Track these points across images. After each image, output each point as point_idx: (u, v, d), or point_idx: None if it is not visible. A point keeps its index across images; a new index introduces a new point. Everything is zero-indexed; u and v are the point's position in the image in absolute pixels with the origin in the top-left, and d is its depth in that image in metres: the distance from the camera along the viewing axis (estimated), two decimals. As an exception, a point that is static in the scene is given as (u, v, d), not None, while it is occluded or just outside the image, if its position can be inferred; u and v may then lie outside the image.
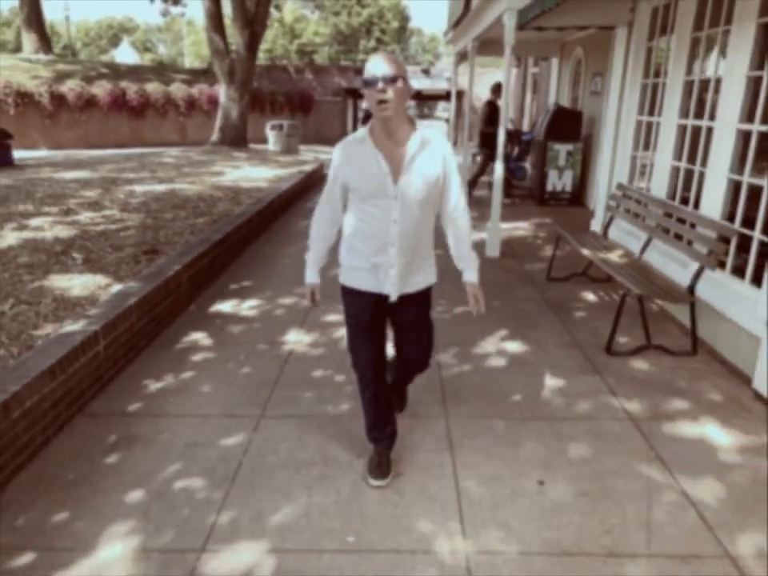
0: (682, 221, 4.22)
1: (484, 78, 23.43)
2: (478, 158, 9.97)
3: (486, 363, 3.73)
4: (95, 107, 18.82)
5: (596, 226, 6.03)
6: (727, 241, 3.67)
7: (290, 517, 2.36)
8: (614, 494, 2.49)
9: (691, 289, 3.73)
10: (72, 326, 3.36)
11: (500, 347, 3.95)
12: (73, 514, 2.38)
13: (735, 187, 3.78)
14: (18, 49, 42.62)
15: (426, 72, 26.48)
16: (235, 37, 12.39)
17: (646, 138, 5.25)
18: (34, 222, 6.03)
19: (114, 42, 72.49)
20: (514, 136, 10.42)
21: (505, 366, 3.69)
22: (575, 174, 8.94)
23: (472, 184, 9.52)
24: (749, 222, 3.63)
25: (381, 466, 2.56)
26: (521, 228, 7.59)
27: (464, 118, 10.53)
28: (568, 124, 8.79)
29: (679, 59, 4.51)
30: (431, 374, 3.45)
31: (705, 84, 4.22)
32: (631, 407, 3.18)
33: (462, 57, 11.29)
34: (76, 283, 4.22)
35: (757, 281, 3.48)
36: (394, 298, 2.39)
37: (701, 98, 4.28)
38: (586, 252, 4.66)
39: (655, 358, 3.77)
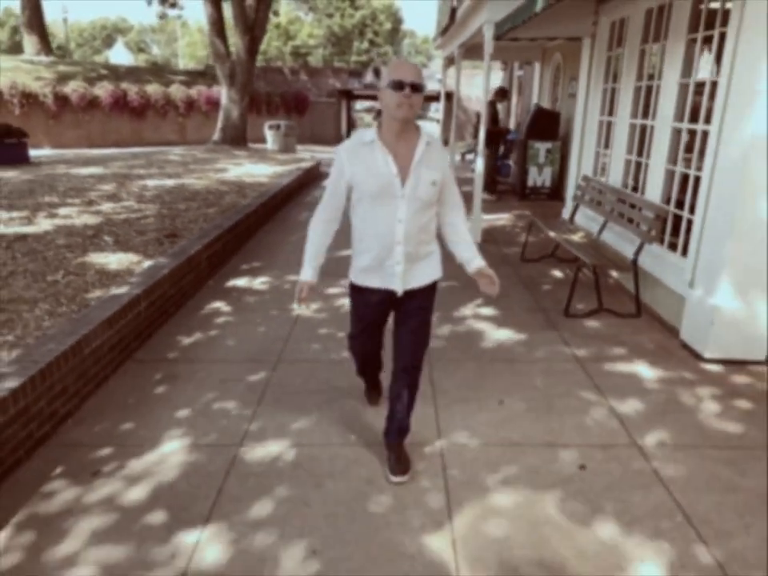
0: (632, 206, 4.95)
1: (474, 81, 24.23)
2: (471, 156, 10.69)
3: (463, 323, 4.44)
4: (97, 108, 19.44)
5: (566, 214, 6.76)
6: (664, 220, 4.41)
7: (305, 425, 3.06)
8: (557, 409, 3.20)
9: (635, 261, 4.46)
10: (118, 290, 4.05)
11: (476, 312, 4.66)
12: (137, 424, 3.07)
13: (669, 176, 4.52)
14: (11, 49, 43.08)
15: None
16: (236, 41, 13.08)
17: (606, 135, 5.99)
18: (62, 211, 6.70)
19: (108, 42, 72.71)
20: (500, 135, 11.16)
21: (479, 324, 4.41)
22: (554, 170, 9.68)
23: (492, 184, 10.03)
24: (680, 204, 4.36)
25: (370, 394, 3.20)
26: (502, 219, 8.31)
27: (453, 119, 11.24)
28: (547, 124, 9.52)
29: (630, 68, 5.25)
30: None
31: (649, 89, 4.96)
32: (579, 353, 3.90)
33: (450, 61, 12.00)
34: (112, 260, 4.90)
35: (684, 252, 4.22)
36: (400, 292, 2.49)
37: (646, 101, 5.02)
38: (552, 234, 5.39)
39: (605, 319, 4.50)
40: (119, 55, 56.99)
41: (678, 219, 4.40)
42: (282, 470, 2.69)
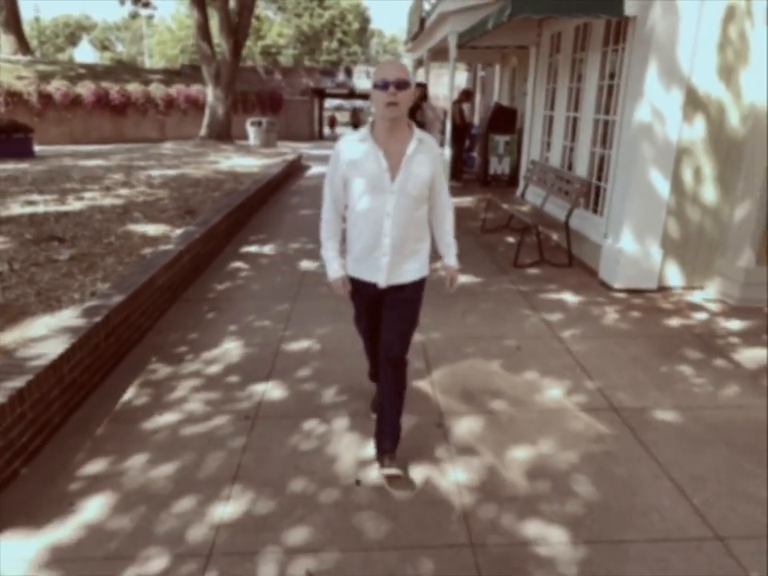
0: (567, 181, 6.25)
1: (442, 80, 25.59)
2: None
3: (437, 273, 5.67)
4: (80, 106, 20.15)
5: (518, 192, 8.07)
6: (587, 189, 5.72)
7: (325, 331, 4.25)
8: (503, 319, 4.46)
9: (566, 222, 5.76)
10: (165, 247, 5.17)
11: (445, 265, 5.90)
12: (200, 334, 4.21)
13: (592, 156, 5.84)
14: None
15: (388, 73, 28.35)
16: (221, 44, 14.09)
17: (549, 126, 7.31)
18: (87, 195, 7.71)
19: (72, 40, 71.96)
20: (466, 130, 12.47)
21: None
22: (512, 159, 10.99)
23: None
24: (600, 177, 5.69)
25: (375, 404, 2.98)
26: (467, 201, 9.59)
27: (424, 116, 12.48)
28: (505, 119, 10.83)
29: (564, 71, 6.56)
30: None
31: (578, 89, 6.28)
32: (522, 288, 5.18)
33: (419, 63, 13.25)
34: (149, 228, 5.99)
35: (601, 213, 5.53)
36: (382, 284, 2.55)
37: (576, 99, 6.34)
38: (505, 206, 6.68)
39: (544, 268, 5.79)
40: (84, 53, 56.60)
41: (597, 189, 5.71)
42: (312, 354, 3.88)
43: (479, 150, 11.71)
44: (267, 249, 6.55)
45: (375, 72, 2.31)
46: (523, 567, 2.14)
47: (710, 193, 4.87)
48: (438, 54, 10.92)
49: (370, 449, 2.82)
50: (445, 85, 23.01)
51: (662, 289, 5.08)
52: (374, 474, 2.66)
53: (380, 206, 2.43)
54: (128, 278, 4.27)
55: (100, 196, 7.68)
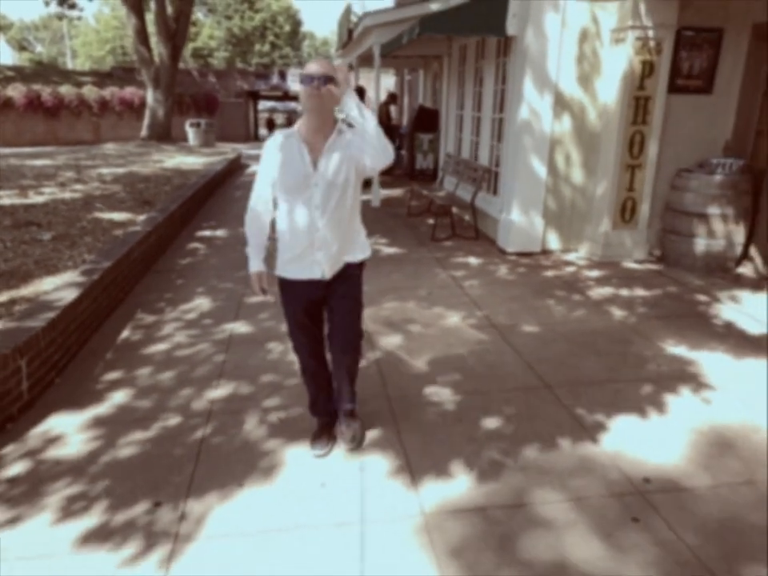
0: (474, 169, 7.50)
1: (372, 84, 26.88)
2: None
3: (375, 250, 6.78)
4: (11, 108, 20.05)
5: (437, 182, 9.31)
6: (488, 175, 6.98)
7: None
8: (420, 276, 5.61)
9: (472, 202, 7.01)
10: (134, 228, 6.04)
11: (377, 241, 7.01)
12: (173, 295, 5.14)
13: (491, 148, 7.12)
14: None
15: (321, 76, 29.36)
16: (159, 49, 14.69)
17: (460, 124, 8.58)
18: (45, 190, 8.36)
19: (-16, 40, 68.75)
20: (394, 130, 13.67)
21: (378, 247, 6.76)
22: (435, 156, 12.27)
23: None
24: (497, 164, 6.97)
25: (319, 438, 2.88)
26: (396, 192, 10.76)
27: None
28: (428, 119, 12.09)
29: (470, 78, 7.84)
30: (337, 249, 6.46)
31: (481, 92, 7.56)
32: (436, 255, 6.36)
33: (350, 67, 14.36)
34: (115, 216, 6.80)
35: (498, 194, 6.82)
36: (326, 277, 2.56)
37: (479, 101, 7.62)
38: (425, 192, 7.88)
39: (455, 241, 7.01)
40: (2, 53, 54.28)
41: (496, 175, 6.99)
42: (269, 304, 4.89)
43: (407, 148, 12.95)
44: (219, 233, 7.48)
45: (303, 70, 2.40)
46: (421, 405, 3.27)
47: (577, 174, 6.22)
48: (366, 60, 12.04)
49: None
50: (374, 88, 24.15)
51: (545, 252, 6.39)
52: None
53: (308, 200, 2.46)
54: (110, 251, 5.15)
55: (58, 191, 8.34)
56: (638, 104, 5.80)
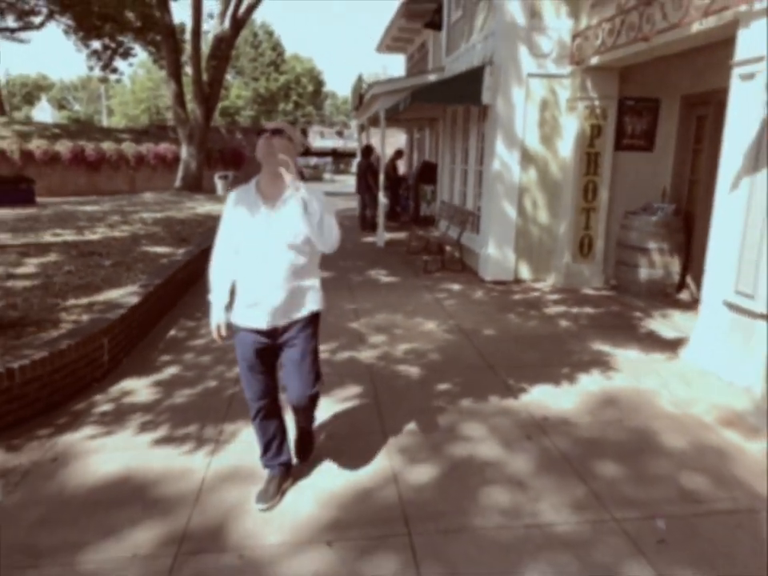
0: (462, 213, 8.77)
1: (389, 140, 28.85)
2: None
3: (371, 276, 8.03)
4: (58, 162, 22.12)
5: (435, 224, 10.61)
6: (471, 217, 8.25)
7: (290, 305, 6.50)
8: (409, 297, 6.80)
9: (458, 240, 8.25)
10: (176, 258, 7.36)
11: (378, 272, 8.26)
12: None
13: (475, 195, 8.42)
14: None
15: (340, 134, 31.65)
16: (194, 110, 16.56)
17: (452, 175, 9.94)
18: (98, 230, 9.81)
19: (28, 99, 73.56)
20: (402, 182, 15.17)
21: (378, 277, 8.00)
22: (436, 203, 13.65)
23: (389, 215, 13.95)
24: (479, 209, 8.25)
25: (265, 492, 2.80)
26: (400, 235, 12.07)
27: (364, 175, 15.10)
28: (431, 172, 13.52)
29: (458, 137, 9.23)
30: (345, 276, 7.71)
31: (467, 149, 8.92)
32: (426, 284, 7.56)
33: (362, 127, 16.01)
34: (158, 249, 8.15)
35: (479, 232, 8.06)
36: (265, 327, 2.61)
37: (466, 156, 8.97)
38: (420, 233, 9.16)
39: (444, 273, 8.22)
40: (42, 112, 58.38)
41: (479, 217, 8.26)
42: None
43: (412, 197, 14.37)
44: (245, 265, 8.79)
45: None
46: (396, 380, 4.40)
47: (543, 216, 7.45)
48: (375, 121, 13.63)
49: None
50: (389, 144, 26.04)
51: (518, 280, 7.56)
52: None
53: (260, 250, 2.54)
54: (158, 272, 6.45)
55: (109, 230, 9.79)
56: (589, 158, 7.07)
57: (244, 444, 3.39)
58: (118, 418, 3.75)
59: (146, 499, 2.86)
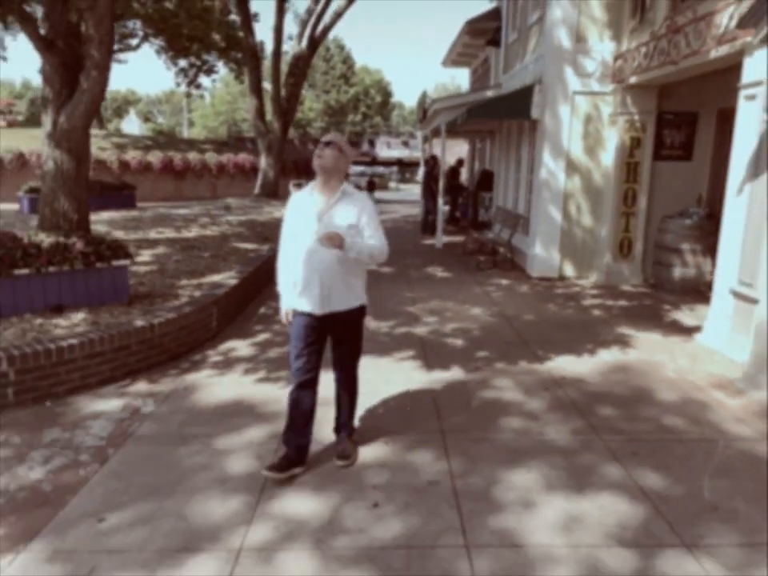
0: (515, 216, 9.60)
1: (453, 150, 29.80)
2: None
3: (427, 272, 9.01)
4: (150, 171, 24.41)
5: (491, 228, 11.46)
6: (522, 221, 9.07)
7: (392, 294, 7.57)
8: (461, 290, 7.73)
9: (509, 241, 9.10)
10: (261, 252, 8.59)
11: (436, 270, 9.22)
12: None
13: (526, 201, 9.25)
14: (30, 122, 48.64)
15: (406, 144, 32.81)
16: (273, 123, 18.12)
17: (506, 183, 10.77)
18: (193, 229, 11.28)
19: (118, 112, 79.14)
20: (463, 189, 16.09)
21: (435, 273, 8.96)
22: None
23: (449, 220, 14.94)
24: (529, 213, 9.07)
25: (274, 464, 3.05)
26: (458, 239, 12.97)
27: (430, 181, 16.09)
28: (489, 180, 14.36)
29: (512, 148, 10.07)
30: (405, 272, 8.73)
31: (520, 159, 9.75)
32: (477, 279, 8.46)
33: (426, 138, 17.05)
34: (246, 245, 9.44)
35: (528, 234, 8.88)
36: (318, 312, 2.98)
37: (518, 165, 9.80)
38: (476, 235, 10.06)
39: (495, 270, 9.08)
40: (130, 124, 62.88)
41: (528, 220, 9.08)
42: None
43: (471, 204, 15.25)
44: (318, 261, 9.97)
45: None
46: (443, 348, 5.35)
47: (586, 219, 8.19)
48: (438, 132, 14.63)
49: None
50: (452, 154, 26.99)
51: (562, 278, 8.33)
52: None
53: (312, 245, 2.89)
54: (249, 263, 7.68)
55: (201, 230, 11.24)
56: (629, 168, 7.78)
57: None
58: (227, 365, 4.90)
59: (254, 413, 3.95)
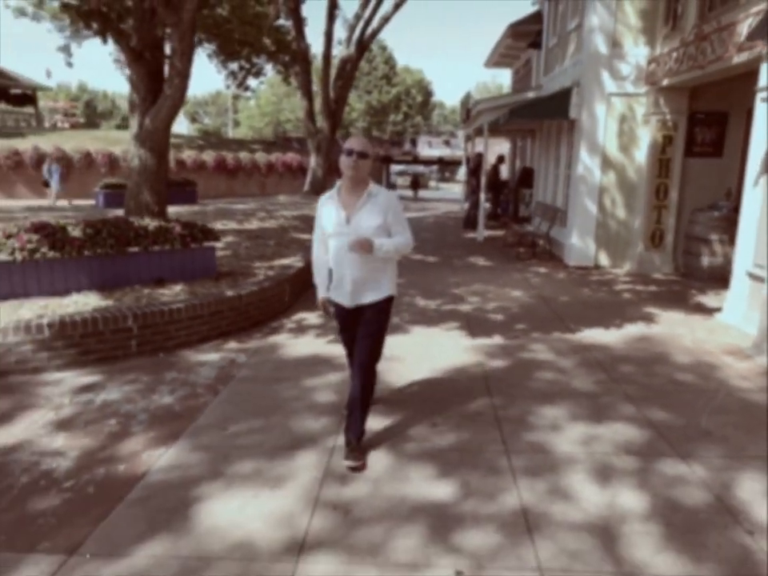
0: (554, 210, 10.22)
1: (494, 149, 30.32)
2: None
3: (470, 261, 9.74)
4: (204, 169, 25.77)
5: (531, 223, 12.09)
6: (560, 214, 9.71)
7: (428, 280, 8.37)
8: (502, 276, 8.44)
9: (548, 233, 9.74)
10: (319, 241, 9.49)
11: (478, 260, 9.94)
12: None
13: (564, 195, 9.87)
14: (86, 124, 51.18)
15: (447, 143, 33.44)
16: (322, 125, 19.13)
17: (546, 179, 11.38)
18: (253, 222, 12.28)
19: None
20: (504, 186, 16.71)
21: (478, 262, 9.69)
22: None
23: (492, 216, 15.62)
24: (566, 206, 9.69)
25: (351, 451, 3.23)
26: (499, 233, 13.64)
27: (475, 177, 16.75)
28: (530, 177, 14.96)
29: (551, 146, 10.69)
30: (449, 261, 9.49)
31: (558, 156, 10.36)
32: (516, 267, 9.14)
33: (468, 137, 17.72)
34: (303, 236, 10.35)
35: (565, 226, 9.50)
36: (349, 304, 3.26)
37: (557, 162, 10.42)
38: (516, 227, 10.73)
39: (535, 261, 9.73)
40: (179, 124, 65.22)
41: (565, 213, 9.71)
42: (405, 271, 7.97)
43: (512, 200, 15.88)
44: (368, 251, 10.82)
45: (346, 142, 3.07)
46: (484, 321, 6.10)
47: (620, 212, 8.78)
48: (480, 131, 15.29)
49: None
50: (494, 152, 27.45)
51: (597, 267, 8.94)
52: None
53: (342, 246, 3.09)
54: (309, 250, 8.56)
55: (261, 223, 12.24)
56: (661, 164, 8.34)
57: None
58: (300, 330, 5.77)
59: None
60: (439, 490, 2.98)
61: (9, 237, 5.26)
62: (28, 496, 2.91)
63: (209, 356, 4.98)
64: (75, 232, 5.53)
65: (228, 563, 2.44)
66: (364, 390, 3.27)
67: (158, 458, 3.28)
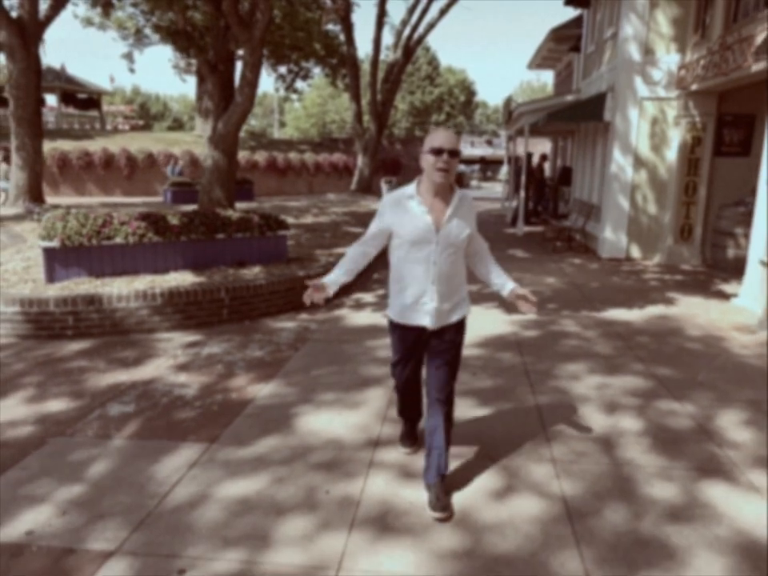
0: (590, 206, 10.89)
1: (537, 148, 30.77)
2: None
3: (510, 254, 10.53)
4: (256, 168, 27.16)
5: (568, 218, 12.76)
6: (595, 209, 10.38)
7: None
8: (539, 267, 9.20)
9: (583, 227, 10.43)
10: (371, 234, 10.45)
11: (516, 252, 10.70)
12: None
13: (598, 192, 10.54)
14: (144, 126, 53.61)
15: (489, 142, 33.97)
16: (369, 126, 20.14)
17: (583, 177, 12.03)
18: (308, 217, 13.34)
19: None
20: (546, 184, 17.35)
21: (517, 254, 10.46)
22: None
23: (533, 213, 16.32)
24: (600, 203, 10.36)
25: (406, 438, 3.39)
26: (538, 228, 14.33)
27: (518, 176, 17.45)
28: (569, 175, 15.57)
29: (588, 146, 11.35)
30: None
31: (593, 155, 11.02)
32: (553, 258, 9.88)
33: (510, 137, 18.41)
34: (355, 230, 11.32)
35: (599, 221, 10.18)
36: (432, 327, 2.80)
37: (593, 161, 11.08)
38: (554, 222, 11.44)
39: (570, 253, 10.44)
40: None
41: (600, 209, 10.38)
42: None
43: (551, 197, 16.50)
44: (414, 244, 11.73)
45: (429, 138, 2.63)
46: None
47: (651, 208, 9.42)
48: (521, 132, 15.98)
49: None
50: (536, 152, 27.96)
51: (628, 258, 9.60)
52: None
53: (426, 256, 2.71)
54: (363, 241, 9.52)
55: (314, 218, 13.29)
56: (690, 163, 8.96)
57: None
58: (359, 307, 6.71)
59: (385, 332, 5.70)
60: (477, 412, 3.86)
61: (122, 224, 6.38)
62: (171, 410, 3.94)
63: (286, 324, 5.98)
64: (174, 220, 6.62)
65: (325, 451, 3.39)
66: (448, 422, 2.90)
67: (261, 390, 4.27)
